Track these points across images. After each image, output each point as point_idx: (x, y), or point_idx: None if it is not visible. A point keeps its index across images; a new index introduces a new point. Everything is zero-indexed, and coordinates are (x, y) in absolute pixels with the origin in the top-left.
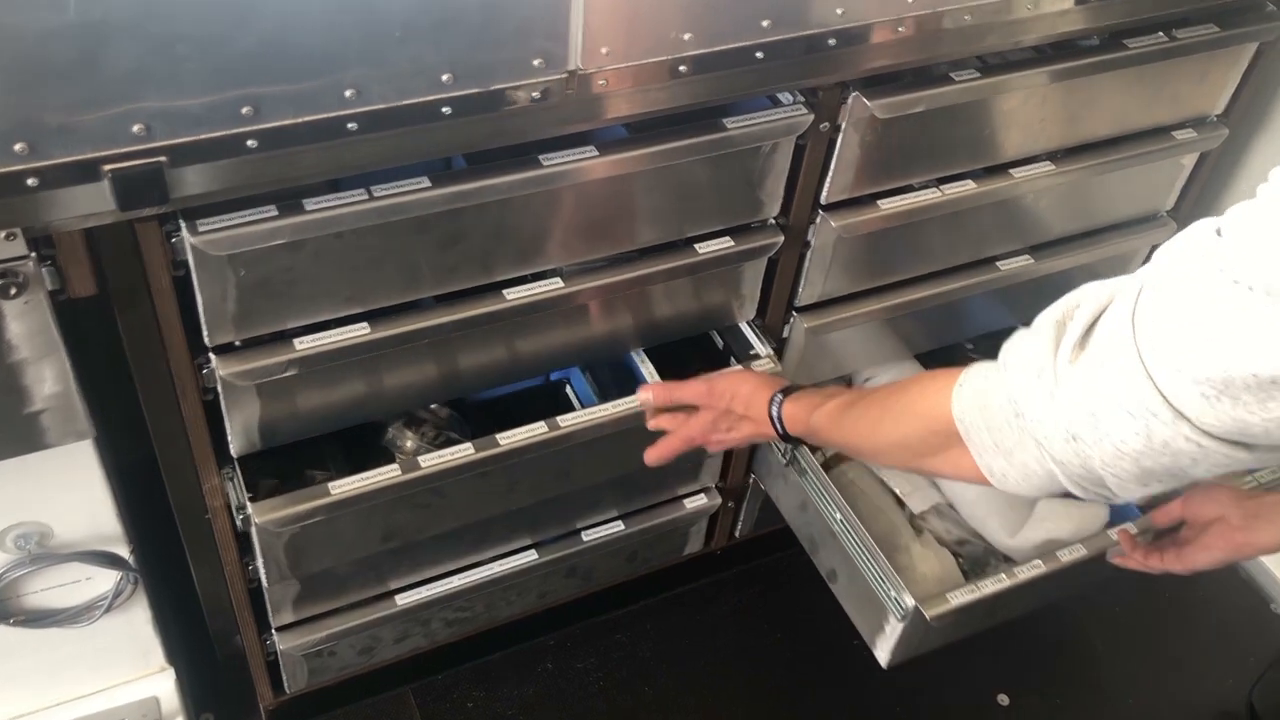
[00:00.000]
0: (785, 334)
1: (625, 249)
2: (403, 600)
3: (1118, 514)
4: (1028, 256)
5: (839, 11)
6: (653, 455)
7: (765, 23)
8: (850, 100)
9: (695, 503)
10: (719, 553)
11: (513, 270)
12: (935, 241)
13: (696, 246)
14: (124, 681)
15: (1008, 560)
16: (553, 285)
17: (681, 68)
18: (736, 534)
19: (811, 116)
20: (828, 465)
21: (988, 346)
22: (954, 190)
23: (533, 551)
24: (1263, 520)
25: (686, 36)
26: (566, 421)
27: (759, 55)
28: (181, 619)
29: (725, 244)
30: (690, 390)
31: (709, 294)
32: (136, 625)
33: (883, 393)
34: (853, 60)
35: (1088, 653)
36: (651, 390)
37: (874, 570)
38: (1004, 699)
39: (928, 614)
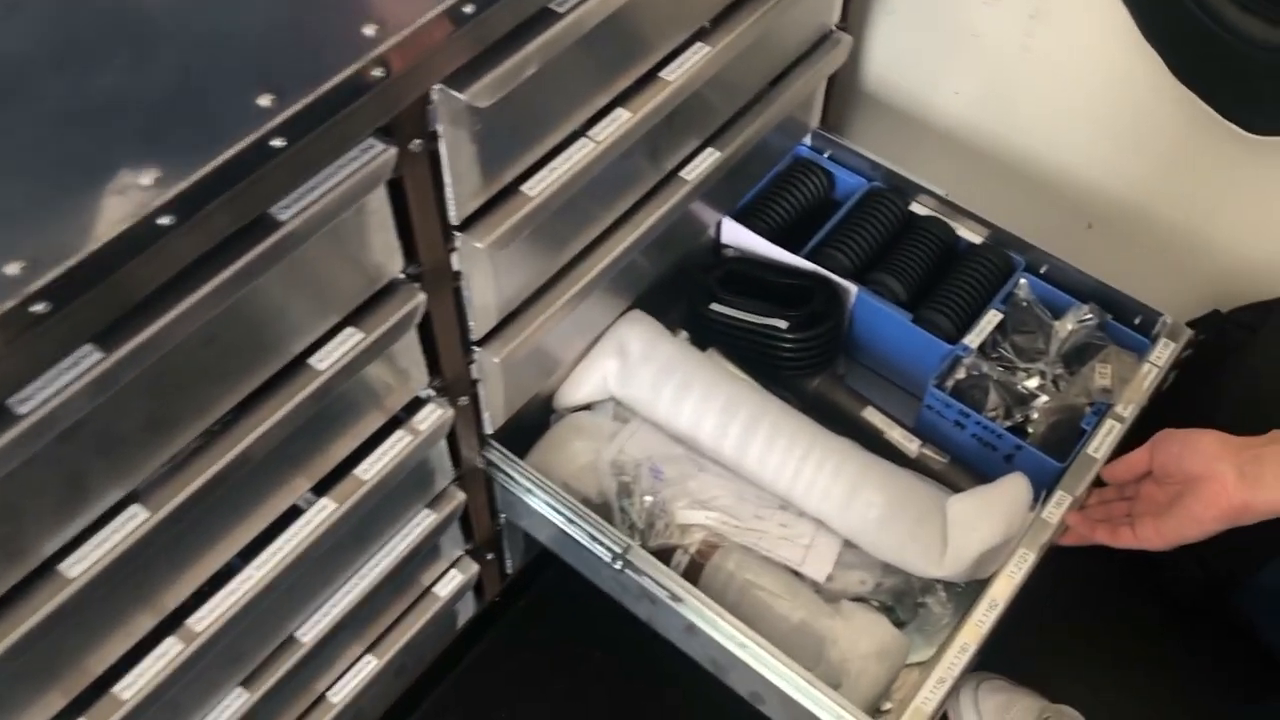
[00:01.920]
0: (475, 375)
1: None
2: None
3: (1032, 468)
4: (712, 150)
5: (369, 32)
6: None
7: (264, 100)
8: (437, 100)
9: (449, 584)
10: (498, 599)
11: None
12: (610, 189)
13: (311, 362)
14: None
15: (944, 587)
16: (131, 521)
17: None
18: (508, 571)
19: (394, 150)
20: (693, 567)
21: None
22: (607, 131)
23: None
24: (1269, 475)
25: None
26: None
27: (277, 144)
28: None
29: (354, 339)
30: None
31: (363, 395)
32: None
33: None
34: (417, 79)
35: None
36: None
37: (809, 699)
38: None
39: None
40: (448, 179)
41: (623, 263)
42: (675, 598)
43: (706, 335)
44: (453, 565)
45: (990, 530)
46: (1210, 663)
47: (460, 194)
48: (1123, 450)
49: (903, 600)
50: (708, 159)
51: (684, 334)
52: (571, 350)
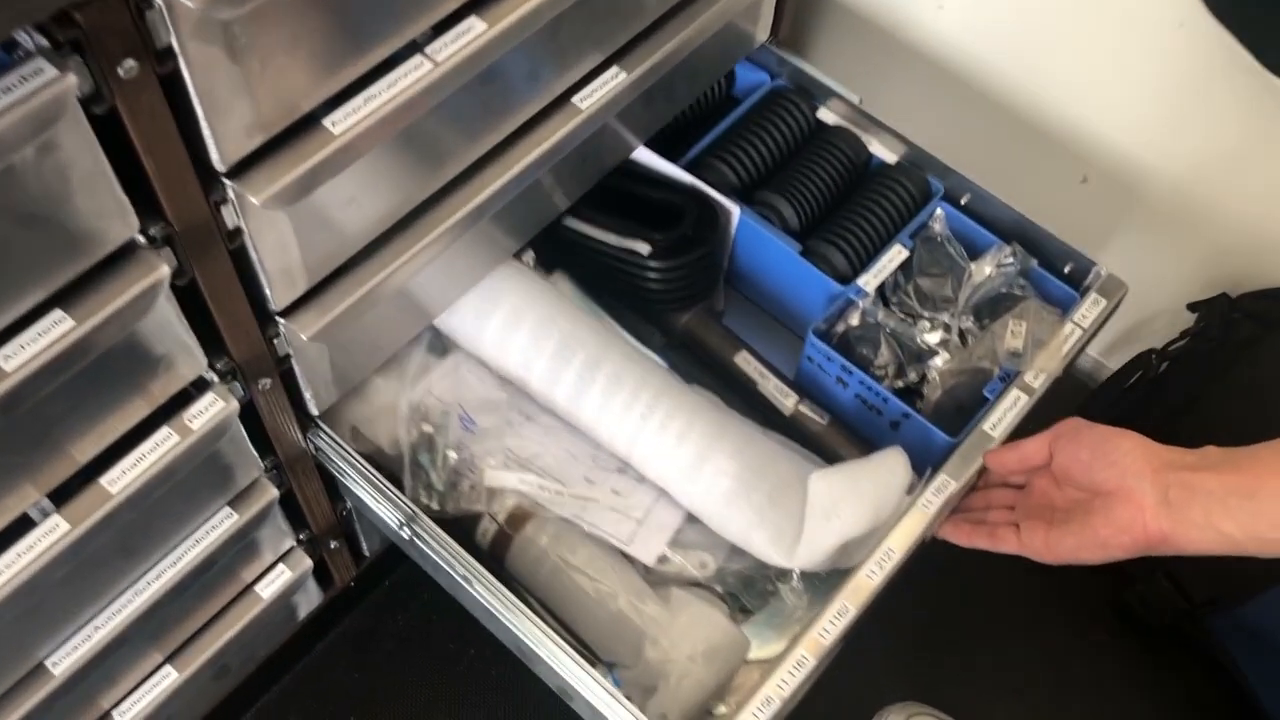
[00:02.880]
0: (284, 351)
1: None
2: None
3: (919, 458)
4: (618, 69)
5: None
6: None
7: None
8: (158, 5)
9: (275, 583)
10: (352, 584)
11: None
12: (470, 121)
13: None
14: None
15: (800, 575)
16: None
17: None
18: (365, 554)
19: (71, 77)
20: (501, 538)
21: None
22: (453, 47)
23: None
24: (1198, 511)
25: None
26: None
27: None
28: None
29: (61, 326)
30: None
31: (105, 386)
32: None
33: None
34: None
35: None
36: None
37: (608, 709)
38: None
39: None
40: (201, 112)
41: (491, 209)
42: (465, 578)
43: (557, 257)
44: (280, 560)
45: (854, 517)
46: (1180, 693)
47: (224, 132)
48: (1026, 430)
49: (751, 587)
50: (612, 81)
51: (530, 254)
52: (417, 322)
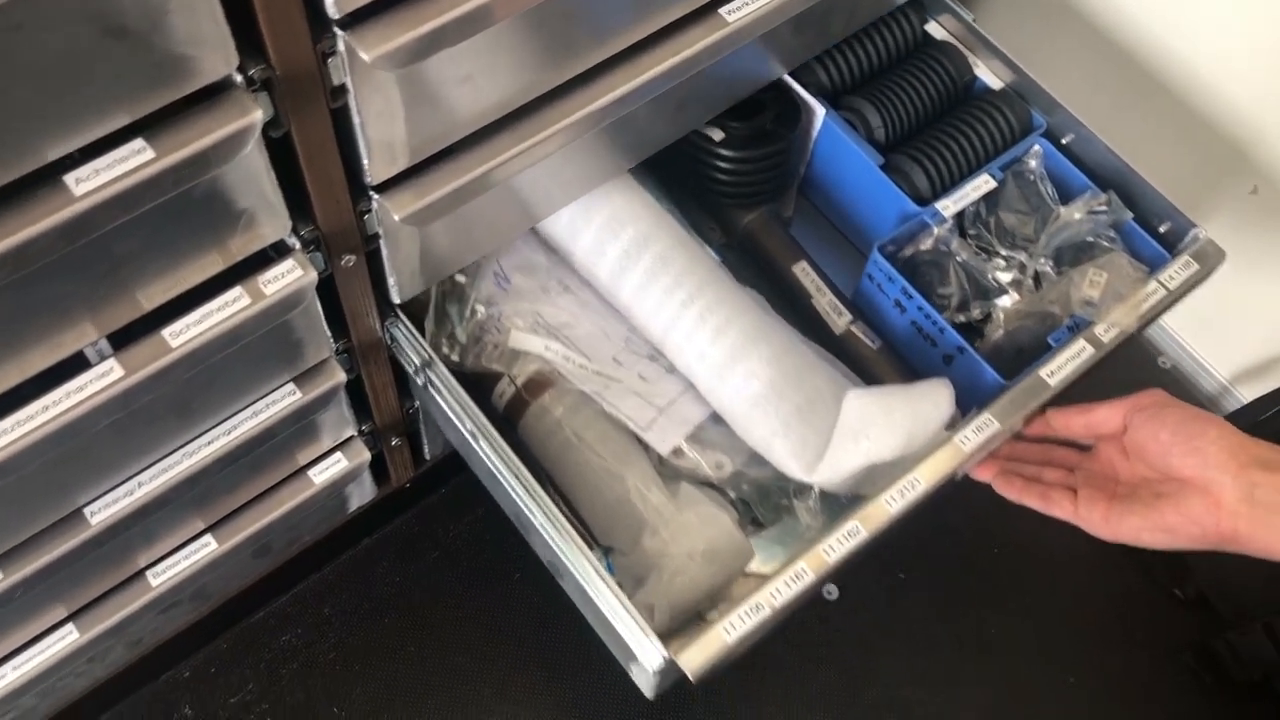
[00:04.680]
0: (373, 230)
1: None
2: None
3: (965, 378)
4: None
5: None
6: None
7: None
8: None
9: (330, 471)
10: (408, 486)
11: None
12: (608, 11)
13: (67, 180)
14: None
15: (820, 495)
16: None
17: None
18: (426, 457)
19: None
20: (517, 402)
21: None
22: None
23: (70, 627)
24: None
25: None
26: None
27: None
28: None
29: (142, 157)
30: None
31: (182, 229)
32: None
33: None
34: None
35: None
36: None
37: (602, 601)
38: (831, 590)
39: (688, 669)
40: None
41: (613, 115)
42: (473, 434)
43: None
44: (337, 448)
45: (884, 441)
46: None
47: None
48: (1084, 386)
49: (766, 499)
50: None
51: None
52: (538, 213)
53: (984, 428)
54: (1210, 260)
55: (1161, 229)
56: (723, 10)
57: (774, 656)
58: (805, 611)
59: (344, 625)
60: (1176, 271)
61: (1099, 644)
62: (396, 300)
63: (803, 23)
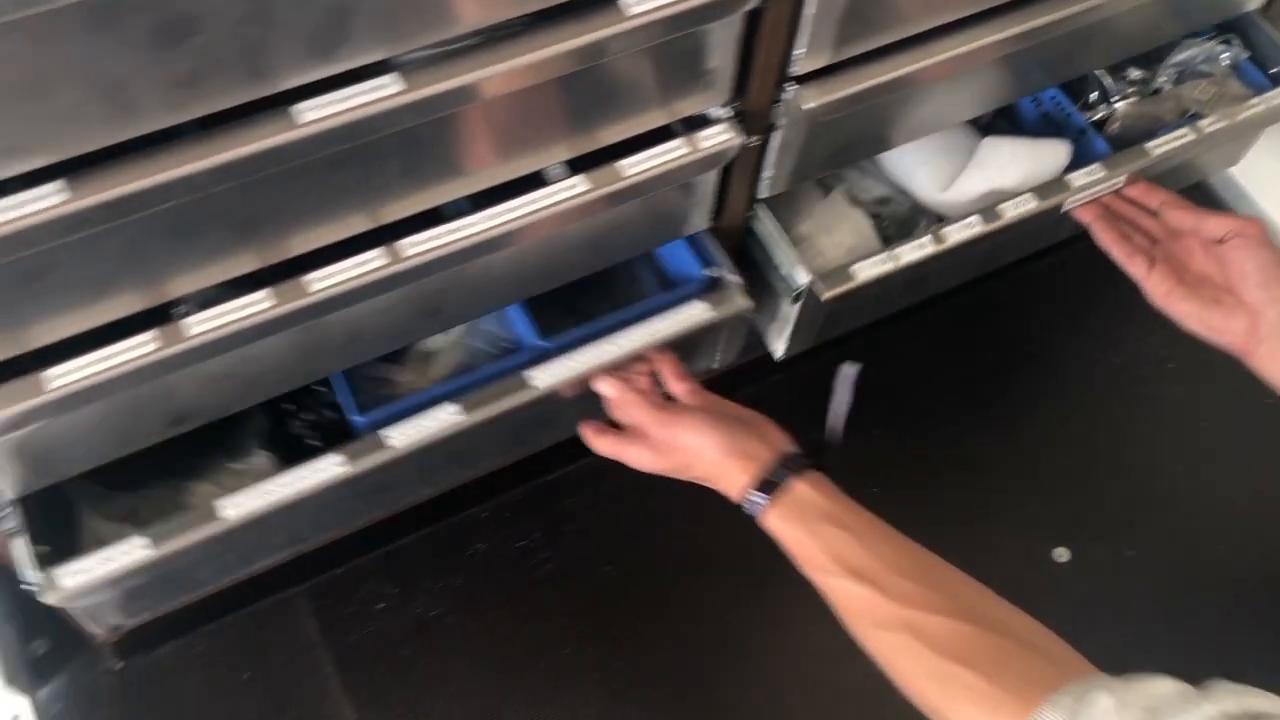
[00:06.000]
0: (776, 118)
1: None
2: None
3: (1084, 153)
4: None
5: None
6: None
7: None
8: None
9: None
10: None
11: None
12: None
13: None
14: None
15: (940, 220)
16: (380, 90)
17: None
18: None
19: None
20: None
21: None
22: None
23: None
24: None
25: None
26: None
27: None
28: None
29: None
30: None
31: (655, 80)
32: None
33: (934, 569)
34: None
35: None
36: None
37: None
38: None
39: (824, 294)
40: None
41: (1038, 38)
42: None
43: None
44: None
45: (1007, 173)
46: None
47: None
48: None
49: (901, 227)
50: None
51: None
52: (877, 145)
53: (1092, 174)
54: None
55: (1272, 70)
56: None
57: None
58: (1032, 572)
59: (620, 498)
60: (1275, 95)
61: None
62: (762, 194)
63: None
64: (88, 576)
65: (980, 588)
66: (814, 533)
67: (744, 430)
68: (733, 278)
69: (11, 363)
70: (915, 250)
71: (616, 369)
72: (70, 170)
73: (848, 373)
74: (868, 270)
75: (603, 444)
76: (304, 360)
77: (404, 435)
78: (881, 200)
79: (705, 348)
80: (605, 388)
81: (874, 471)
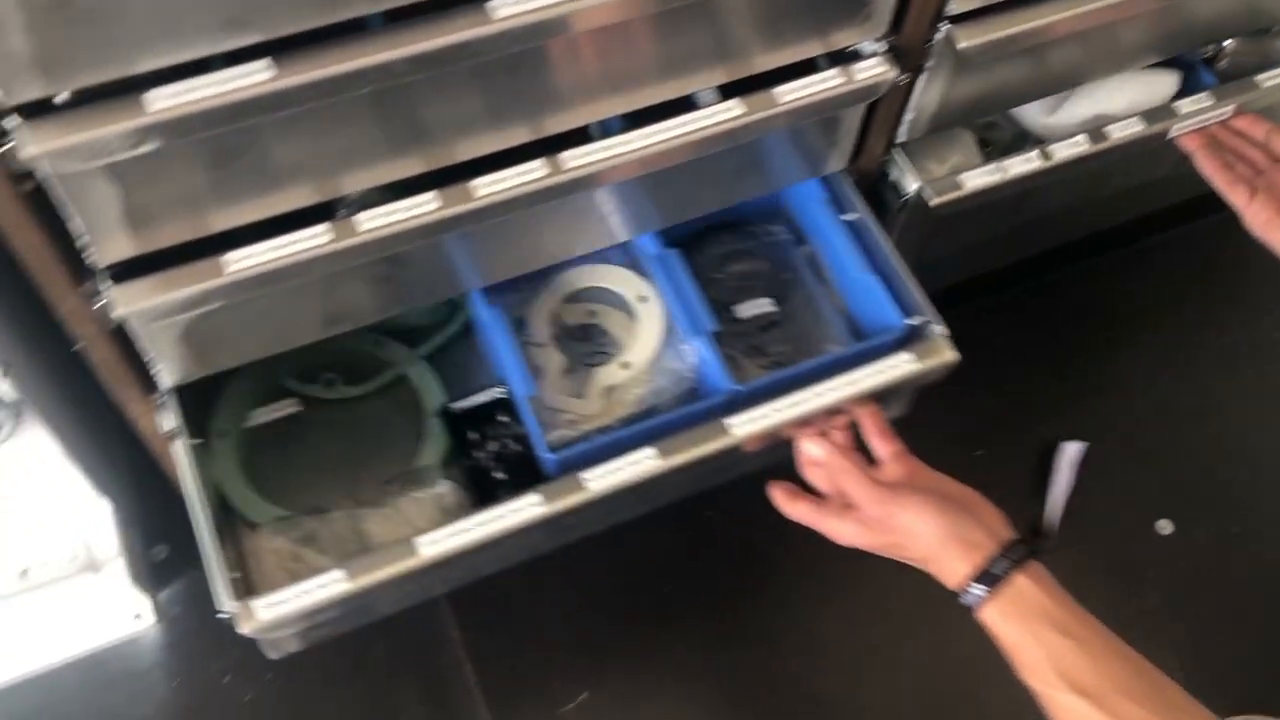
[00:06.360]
0: (927, 59)
1: None
2: None
3: (1193, 85)
4: None
5: None
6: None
7: None
8: None
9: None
10: None
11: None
12: None
13: None
14: None
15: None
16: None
17: None
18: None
19: None
20: None
21: None
22: None
23: None
24: None
25: None
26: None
27: None
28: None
29: None
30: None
31: (815, 9)
32: None
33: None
34: None
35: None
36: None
37: None
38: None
39: (933, 199)
40: None
41: None
42: None
43: None
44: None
45: (1114, 98)
46: None
47: None
48: None
49: (1007, 151)
50: None
51: None
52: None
53: (1199, 102)
54: None
55: None
56: None
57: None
58: (1135, 542)
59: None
60: None
61: None
62: (900, 139)
63: None
64: (285, 609)
65: (1206, 714)
66: (1037, 637)
67: (964, 514)
68: (938, 328)
69: (188, 246)
70: (1023, 164)
71: (811, 421)
72: (275, 51)
73: (1071, 453)
74: (975, 180)
75: (799, 511)
76: (458, 268)
77: (602, 479)
78: (988, 125)
79: (895, 399)
80: (813, 448)
81: (981, 438)
